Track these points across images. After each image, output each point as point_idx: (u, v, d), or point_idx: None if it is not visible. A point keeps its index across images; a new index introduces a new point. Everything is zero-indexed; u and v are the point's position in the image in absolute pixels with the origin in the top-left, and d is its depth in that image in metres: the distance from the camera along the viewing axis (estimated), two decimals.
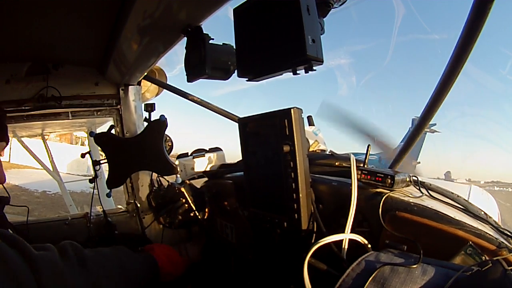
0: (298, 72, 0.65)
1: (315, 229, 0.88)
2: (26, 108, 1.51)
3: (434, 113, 0.93)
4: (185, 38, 0.96)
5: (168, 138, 1.64)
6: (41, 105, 1.52)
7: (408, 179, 0.94)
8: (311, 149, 1.30)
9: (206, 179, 1.61)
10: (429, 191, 0.93)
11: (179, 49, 1.08)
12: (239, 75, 0.74)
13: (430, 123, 1.05)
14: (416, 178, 0.96)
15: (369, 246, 0.79)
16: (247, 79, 0.74)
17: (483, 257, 0.66)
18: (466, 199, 0.95)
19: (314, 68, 0.62)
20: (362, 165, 0.96)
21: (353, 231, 0.82)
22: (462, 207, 0.89)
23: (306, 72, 0.63)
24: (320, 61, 0.60)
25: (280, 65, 0.65)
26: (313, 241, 0.85)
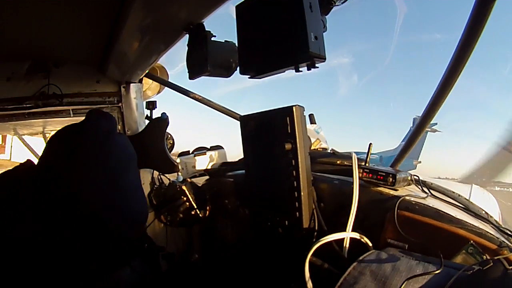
0: (300, 69, 0.65)
1: (316, 228, 0.88)
2: (27, 105, 1.51)
3: (435, 113, 0.93)
4: (187, 36, 0.96)
5: (169, 136, 1.64)
6: (42, 103, 1.52)
7: (409, 178, 0.93)
8: (312, 147, 1.30)
9: (207, 177, 1.61)
10: (431, 190, 0.93)
11: (181, 47, 1.08)
12: (241, 73, 0.74)
13: (431, 122, 1.04)
14: (417, 177, 0.96)
15: (371, 244, 0.79)
16: (249, 76, 0.74)
17: (484, 256, 0.66)
18: (467, 198, 0.95)
19: (316, 65, 0.61)
20: (363, 163, 0.96)
21: (354, 229, 0.82)
22: (463, 206, 0.89)
23: (309, 69, 0.63)
24: (323, 59, 0.60)
25: (283, 62, 0.65)
26: (314, 239, 0.85)
